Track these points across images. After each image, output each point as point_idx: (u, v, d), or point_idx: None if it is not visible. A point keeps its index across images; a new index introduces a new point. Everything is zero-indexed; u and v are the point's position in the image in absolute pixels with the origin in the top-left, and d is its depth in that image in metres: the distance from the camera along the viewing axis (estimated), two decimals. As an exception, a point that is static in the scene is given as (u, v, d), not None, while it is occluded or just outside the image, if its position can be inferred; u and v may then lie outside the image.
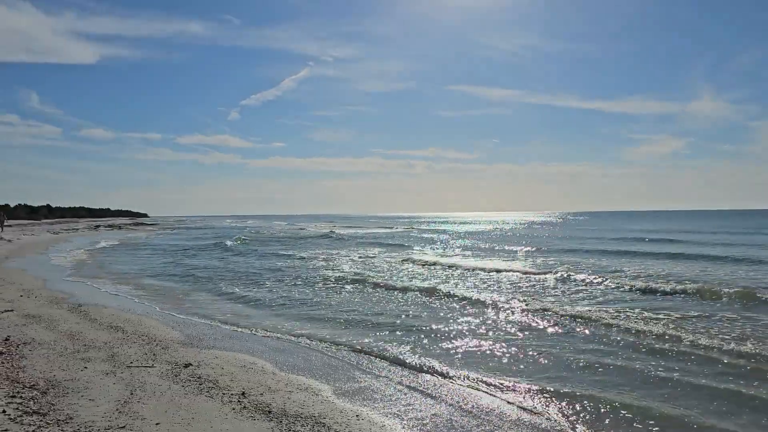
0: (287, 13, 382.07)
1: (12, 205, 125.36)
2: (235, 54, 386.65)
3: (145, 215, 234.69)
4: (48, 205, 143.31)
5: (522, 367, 9.13)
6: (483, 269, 23.56)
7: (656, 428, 6.58)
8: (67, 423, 6.06)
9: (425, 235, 59.63)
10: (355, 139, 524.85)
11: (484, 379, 8.45)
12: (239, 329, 12.20)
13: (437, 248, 39.03)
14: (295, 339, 11.27)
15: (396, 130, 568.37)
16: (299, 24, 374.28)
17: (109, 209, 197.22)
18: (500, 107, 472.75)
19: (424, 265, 26.25)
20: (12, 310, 13.19)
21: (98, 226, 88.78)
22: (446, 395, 7.79)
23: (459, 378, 8.54)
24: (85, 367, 8.46)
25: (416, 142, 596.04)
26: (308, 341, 11.04)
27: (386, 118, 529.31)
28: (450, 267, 25.13)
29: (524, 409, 7.25)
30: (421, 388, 8.10)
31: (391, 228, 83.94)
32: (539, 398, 7.63)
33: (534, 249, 35.62)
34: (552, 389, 7.88)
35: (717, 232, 53.18)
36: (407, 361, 9.44)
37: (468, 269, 23.96)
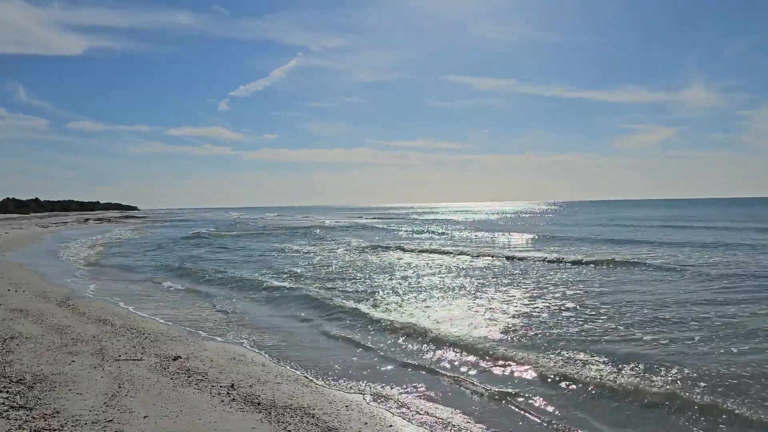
0: (276, 3, 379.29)
1: (0, 199, 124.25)
2: (223, 45, 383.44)
3: (135, 208, 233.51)
4: (36, 199, 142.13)
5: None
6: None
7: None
8: (54, 417, 6.01)
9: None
10: (347, 131, 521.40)
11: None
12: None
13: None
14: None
15: (388, 120, 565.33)
16: (288, 15, 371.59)
17: (99, 202, 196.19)
18: (493, 97, 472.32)
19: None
20: (0, 305, 13.08)
21: (87, 220, 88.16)
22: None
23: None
24: (73, 361, 8.40)
25: (409, 132, 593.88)
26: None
27: (378, 108, 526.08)
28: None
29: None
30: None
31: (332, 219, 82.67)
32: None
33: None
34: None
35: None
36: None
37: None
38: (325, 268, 21.66)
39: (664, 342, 9.54)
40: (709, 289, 14.66)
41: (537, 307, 12.85)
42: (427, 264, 22.53)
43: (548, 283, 16.53)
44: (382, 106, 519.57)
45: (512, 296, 14.42)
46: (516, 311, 12.45)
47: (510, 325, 11.03)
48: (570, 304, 13.02)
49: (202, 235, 46.36)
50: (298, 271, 20.56)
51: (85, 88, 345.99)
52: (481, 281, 17.23)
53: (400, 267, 21.59)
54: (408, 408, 6.91)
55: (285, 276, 19.23)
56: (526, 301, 13.65)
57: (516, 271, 19.61)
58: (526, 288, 15.77)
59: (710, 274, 17.31)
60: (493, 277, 18.04)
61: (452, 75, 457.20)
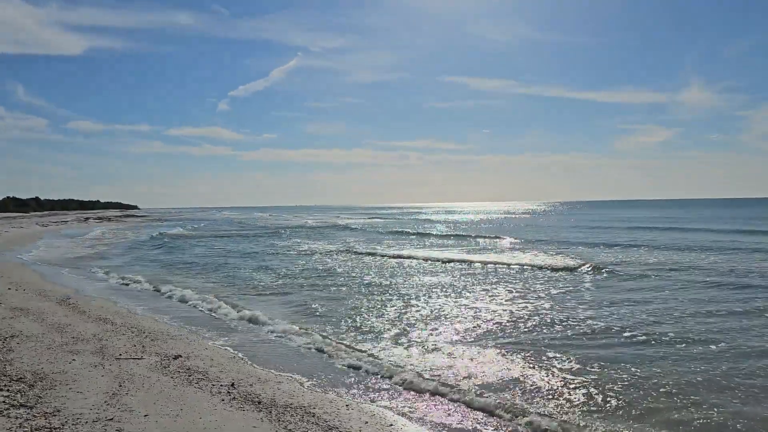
0: (276, 3, 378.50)
1: (0, 198, 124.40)
2: (223, 45, 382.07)
3: (135, 207, 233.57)
4: (37, 198, 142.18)
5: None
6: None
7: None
8: (55, 416, 6.02)
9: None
10: (347, 131, 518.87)
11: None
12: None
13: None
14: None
15: (388, 121, 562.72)
16: (287, 15, 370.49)
17: (99, 201, 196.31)
18: (493, 98, 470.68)
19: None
20: (0, 303, 13.07)
21: (87, 219, 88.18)
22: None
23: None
24: (74, 360, 8.40)
25: (408, 133, 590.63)
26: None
27: (378, 109, 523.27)
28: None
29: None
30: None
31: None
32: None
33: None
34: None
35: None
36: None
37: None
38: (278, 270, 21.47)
39: (625, 359, 8.86)
40: (695, 298, 13.87)
41: (490, 317, 12.19)
42: (388, 269, 21.55)
43: (504, 290, 16.02)
44: (382, 107, 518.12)
45: (445, 306, 13.40)
46: (452, 325, 11.38)
47: (458, 337, 10.82)
48: (537, 316, 12.05)
49: (170, 236, 45.99)
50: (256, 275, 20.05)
51: (85, 87, 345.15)
52: (433, 289, 16.10)
53: (359, 274, 19.98)
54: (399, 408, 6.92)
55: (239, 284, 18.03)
56: (470, 314, 12.43)
57: (464, 278, 18.35)
58: (459, 297, 14.61)
59: (700, 280, 16.70)
60: (445, 285, 16.93)
61: (452, 75, 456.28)
